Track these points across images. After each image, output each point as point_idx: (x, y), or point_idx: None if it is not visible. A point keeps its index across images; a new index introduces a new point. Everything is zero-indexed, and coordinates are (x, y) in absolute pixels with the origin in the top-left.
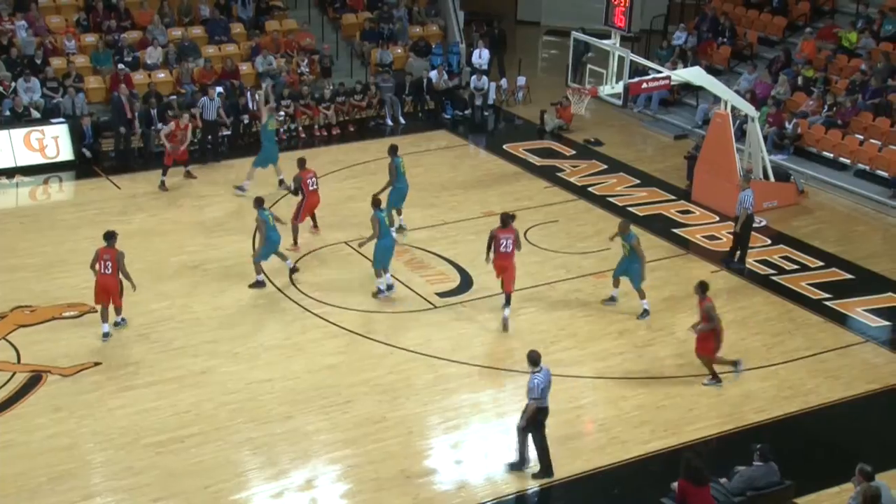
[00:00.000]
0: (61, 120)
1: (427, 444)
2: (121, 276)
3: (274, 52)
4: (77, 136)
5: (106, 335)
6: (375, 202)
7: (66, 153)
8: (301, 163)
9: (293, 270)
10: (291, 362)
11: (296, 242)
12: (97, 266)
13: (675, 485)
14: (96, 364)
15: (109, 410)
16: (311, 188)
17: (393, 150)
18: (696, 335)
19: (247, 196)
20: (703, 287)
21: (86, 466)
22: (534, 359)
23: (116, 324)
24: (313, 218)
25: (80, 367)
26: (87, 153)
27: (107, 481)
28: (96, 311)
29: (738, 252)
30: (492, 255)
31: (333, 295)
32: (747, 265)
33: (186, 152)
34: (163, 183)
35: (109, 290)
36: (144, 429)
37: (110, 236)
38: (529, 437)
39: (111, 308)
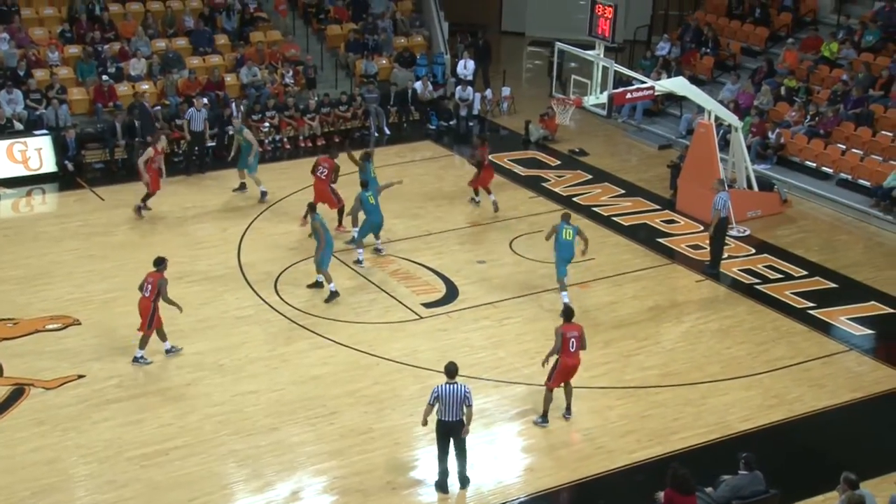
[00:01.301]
0: (44, 132)
1: (413, 456)
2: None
3: (258, 64)
4: (60, 148)
5: (167, 352)
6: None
7: (49, 165)
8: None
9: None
10: (277, 374)
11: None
12: (142, 288)
13: (660, 494)
14: (80, 377)
15: (93, 423)
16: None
17: (366, 156)
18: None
19: (243, 205)
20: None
21: (69, 480)
22: (449, 371)
23: (167, 352)
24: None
25: (64, 379)
26: (70, 165)
27: (90, 495)
28: (80, 324)
29: (712, 256)
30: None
31: (319, 306)
32: (728, 273)
33: (159, 181)
34: (139, 209)
35: (140, 312)
36: (128, 442)
37: (159, 262)
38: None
39: (169, 332)
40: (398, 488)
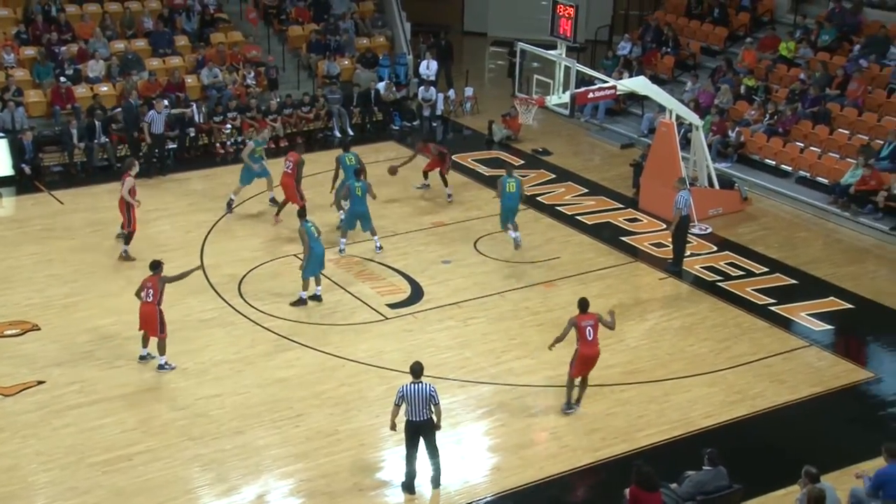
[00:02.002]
0: (1, 135)
1: (380, 457)
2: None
3: (219, 65)
4: (17, 151)
5: (141, 358)
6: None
7: (4, 168)
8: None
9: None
10: (241, 376)
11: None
12: (141, 294)
13: (626, 491)
14: (40, 383)
15: (54, 430)
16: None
17: (345, 147)
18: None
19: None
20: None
21: (29, 488)
22: (414, 370)
23: (142, 357)
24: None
25: (23, 385)
26: (28, 169)
27: (51, 502)
28: (39, 329)
29: (674, 253)
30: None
31: (284, 308)
32: (690, 270)
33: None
34: (126, 252)
35: (147, 319)
36: (90, 447)
37: (156, 265)
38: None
39: (153, 340)
40: (365, 490)
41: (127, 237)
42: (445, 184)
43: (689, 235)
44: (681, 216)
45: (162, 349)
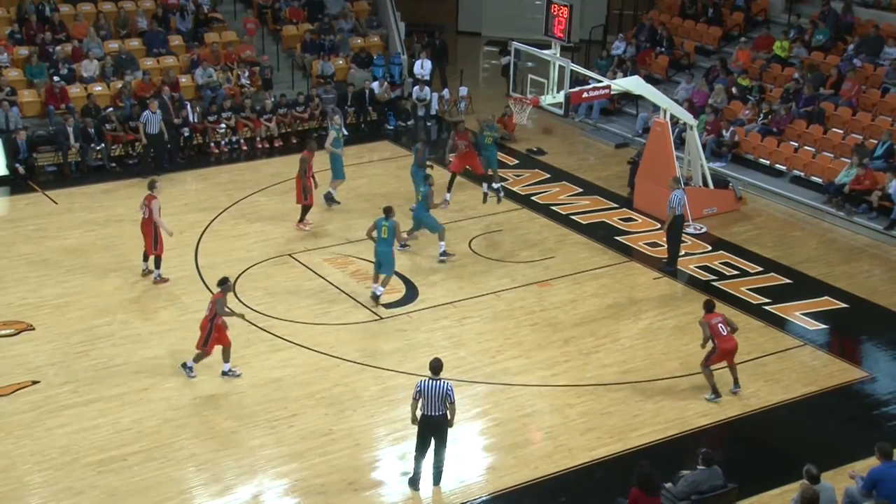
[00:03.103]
0: None
1: (374, 456)
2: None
3: (214, 65)
4: (11, 151)
5: (223, 374)
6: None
7: None
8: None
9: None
10: (236, 376)
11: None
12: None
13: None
14: (34, 383)
15: (48, 430)
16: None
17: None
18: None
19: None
20: (707, 306)
21: (23, 488)
22: (434, 367)
23: (224, 373)
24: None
25: (18, 386)
26: (22, 169)
27: (46, 503)
28: (33, 329)
29: (669, 253)
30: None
31: (279, 307)
32: (685, 270)
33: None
34: (149, 271)
35: (201, 329)
36: (85, 448)
37: (223, 282)
38: None
39: (227, 352)
40: (360, 489)
41: (155, 261)
42: (489, 181)
43: (684, 235)
44: (674, 215)
45: (197, 358)
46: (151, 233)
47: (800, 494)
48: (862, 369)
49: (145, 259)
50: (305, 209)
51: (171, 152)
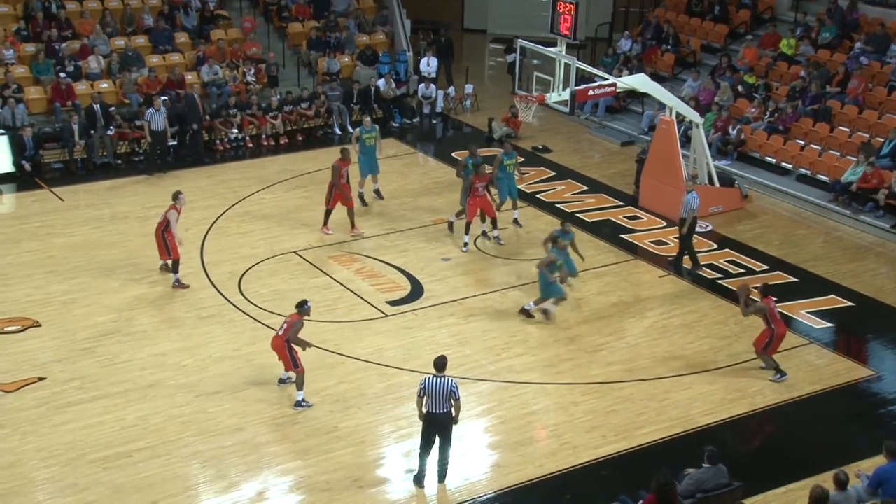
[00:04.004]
0: (1, 131)
1: (379, 454)
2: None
3: (220, 62)
4: (17, 148)
5: (280, 381)
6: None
7: (5, 165)
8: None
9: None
10: (241, 373)
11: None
12: (280, 326)
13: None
14: (40, 379)
15: (54, 426)
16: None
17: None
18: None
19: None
20: (764, 289)
21: (29, 484)
22: (438, 364)
23: (281, 381)
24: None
25: (24, 382)
26: (28, 165)
27: (51, 499)
28: (39, 326)
29: (691, 259)
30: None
31: (283, 305)
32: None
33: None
34: (178, 281)
35: (277, 352)
36: (90, 444)
37: (302, 304)
38: None
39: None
40: (365, 486)
41: (173, 265)
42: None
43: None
44: (693, 217)
45: (299, 384)
46: (161, 238)
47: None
48: (868, 368)
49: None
50: (328, 214)
51: (198, 147)
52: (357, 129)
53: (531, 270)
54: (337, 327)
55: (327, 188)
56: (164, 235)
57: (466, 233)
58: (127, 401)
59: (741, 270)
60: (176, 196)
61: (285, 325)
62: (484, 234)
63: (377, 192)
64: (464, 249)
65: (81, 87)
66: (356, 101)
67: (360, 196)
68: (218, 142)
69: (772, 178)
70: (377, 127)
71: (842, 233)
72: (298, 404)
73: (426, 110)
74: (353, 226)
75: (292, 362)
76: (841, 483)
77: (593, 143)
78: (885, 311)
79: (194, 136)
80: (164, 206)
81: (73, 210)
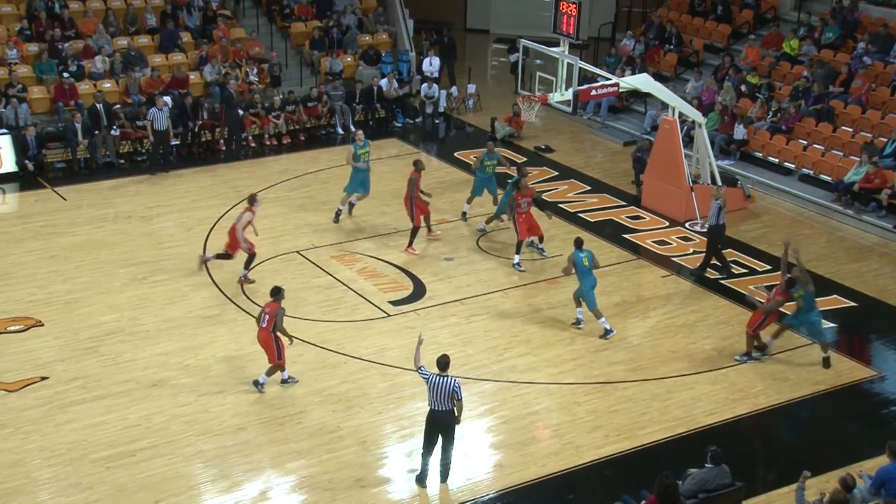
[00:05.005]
0: (4, 131)
1: (382, 453)
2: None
3: (222, 62)
4: (20, 148)
5: (284, 381)
6: (577, 242)
7: (8, 165)
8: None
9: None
10: (243, 373)
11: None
12: (261, 319)
13: (644, 501)
14: (43, 379)
15: (57, 426)
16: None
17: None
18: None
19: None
20: (789, 283)
21: (32, 483)
22: (440, 363)
23: (283, 381)
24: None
25: (26, 381)
26: (31, 165)
27: (54, 498)
28: (42, 325)
29: (720, 265)
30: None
31: (286, 304)
32: (692, 267)
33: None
34: (245, 276)
35: (263, 345)
36: (93, 444)
37: (276, 292)
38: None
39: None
40: (367, 486)
41: (249, 259)
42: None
43: (692, 233)
44: (717, 224)
45: (270, 371)
46: (235, 237)
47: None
48: (871, 368)
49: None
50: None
51: (238, 143)
52: (350, 147)
53: (533, 270)
54: (339, 327)
55: (404, 203)
56: (237, 235)
57: (518, 252)
58: (130, 400)
59: (744, 270)
60: (252, 200)
61: (267, 317)
62: (532, 244)
63: (351, 205)
64: (521, 269)
65: (84, 87)
66: (358, 101)
67: (337, 213)
68: (222, 141)
69: (774, 178)
70: (369, 142)
71: (844, 233)
72: (257, 383)
73: (429, 110)
74: (429, 230)
75: (277, 353)
76: (847, 487)
77: (596, 143)
78: (888, 312)
79: (231, 132)
80: (166, 205)
81: (75, 210)
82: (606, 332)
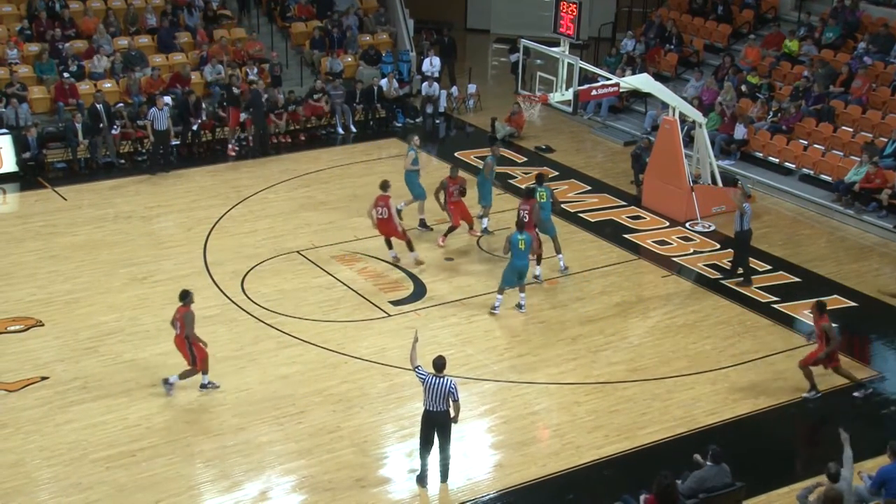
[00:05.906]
0: (4, 131)
1: (382, 453)
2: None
3: (223, 61)
4: (21, 148)
5: (202, 386)
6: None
7: (9, 165)
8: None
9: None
10: (244, 373)
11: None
12: (174, 324)
13: (643, 497)
14: (43, 379)
15: (57, 426)
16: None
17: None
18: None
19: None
20: (820, 306)
21: (32, 483)
22: (437, 365)
23: (202, 386)
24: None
25: (27, 381)
26: (31, 165)
27: (55, 498)
28: (42, 325)
29: (743, 269)
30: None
31: (286, 304)
32: (693, 268)
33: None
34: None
35: (180, 350)
36: (93, 443)
37: (185, 295)
38: None
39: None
40: (367, 486)
41: (408, 245)
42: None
43: (692, 233)
44: (743, 229)
45: (185, 375)
46: (395, 227)
47: (822, 496)
48: (871, 368)
49: (390, 247)
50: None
51: (265, 142)
52: (411, 152)
53: (533, 271)
54: (340, 327)
55: (446, 206)
56: (392, 222)
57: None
58: (130, 400)
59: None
60: (385, 186)
61: (178, 323)
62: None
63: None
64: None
65: (85, 87)
66: (359, 101)
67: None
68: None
69: (775, 178)
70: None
71: (845, 233)
72: (167, 382)
73: (429, 110)
74: (471, 227)
75: (192, 358)
76: (834, 478)
77: (596, 142)
78: (889, 312)
79: (257, 131)
80: (166, 204)
81: (75, 209)
82: (493, 308)
